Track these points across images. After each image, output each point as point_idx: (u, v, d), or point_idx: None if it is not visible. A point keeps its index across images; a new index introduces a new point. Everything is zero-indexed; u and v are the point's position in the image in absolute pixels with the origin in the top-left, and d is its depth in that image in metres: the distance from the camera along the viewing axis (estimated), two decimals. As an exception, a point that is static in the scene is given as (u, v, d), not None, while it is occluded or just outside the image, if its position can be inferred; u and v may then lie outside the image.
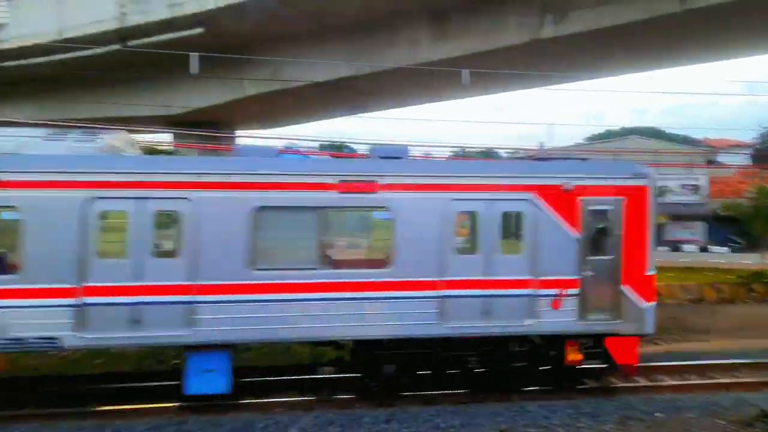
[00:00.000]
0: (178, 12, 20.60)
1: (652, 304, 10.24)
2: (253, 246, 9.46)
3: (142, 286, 9.18)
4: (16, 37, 20.71)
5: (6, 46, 20.71)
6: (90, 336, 9.01)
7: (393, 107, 35.69)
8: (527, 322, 9.92)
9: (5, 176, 8.90)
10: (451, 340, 10.07)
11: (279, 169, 9.97)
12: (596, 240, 10.13)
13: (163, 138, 31.23)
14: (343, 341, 10.44)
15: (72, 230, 9.06)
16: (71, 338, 9.00)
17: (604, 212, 10.19)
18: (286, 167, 10.14)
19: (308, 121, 36.90)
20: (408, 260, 9.78)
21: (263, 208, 9.55)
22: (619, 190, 10.24)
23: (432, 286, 9.75)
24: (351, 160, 12.84)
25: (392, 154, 10.72)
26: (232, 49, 20.91)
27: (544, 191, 10.06)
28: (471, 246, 10.24)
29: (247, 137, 36.18)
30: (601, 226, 10.14)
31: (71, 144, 10.02)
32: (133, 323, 9.14)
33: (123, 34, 21.18)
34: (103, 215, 9.33)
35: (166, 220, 9.70)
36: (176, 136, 27.21)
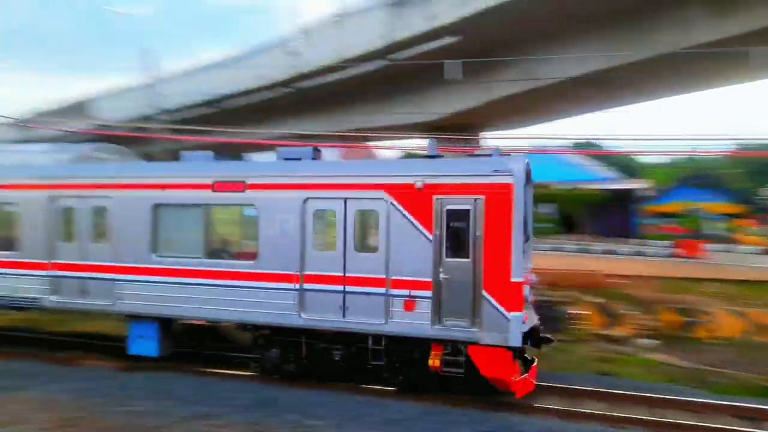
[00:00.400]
0: (436, 23, 21.89)
1: (518, 314, 8.99)
2: (154, 236, 11.37)
3: (85, 264, 11.87)
4: (308, 63, 24.66)
5: (303, 70, 24.75)
6: (56, 300, 12.15)
7: (652, 99, 32.20)
8: (380, 321, 9.69)
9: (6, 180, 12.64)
10: (319, 333, 10.38)
11: (170, 171, 11.82)
12: (453, 241, 9.37)
13: (421, 143, 33.51)
14: (217, 323, 11.76)
15: (42, 221, 12.16)
16: (47, 301, 12.21)
17: (462, 212, 9.36)
18: (177, 170, 11.82)
19: (558, 119, 35.70)
20: (270, 254, 10.47)
21: (159, 205, 11.36)
22: (477, 189, 9.28)
23: (292, 279, 10.22)
24: (225, 162, 12.51)
25: (294, 155, 11.16)
26: (481, 53, 21.43)
27: (397, 190, 9.68)
28: (329, 243, 10.26)
29: (493, 138, 36.63)
30: (458, 226, 9.34)
31: (57, 156, 13.36)
32: (83, 293, 11.88)
33: (388, 50, 23.40)
34: (62, 210, 12.16)
35: (99, 214, 11.97)
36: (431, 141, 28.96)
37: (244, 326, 11.39)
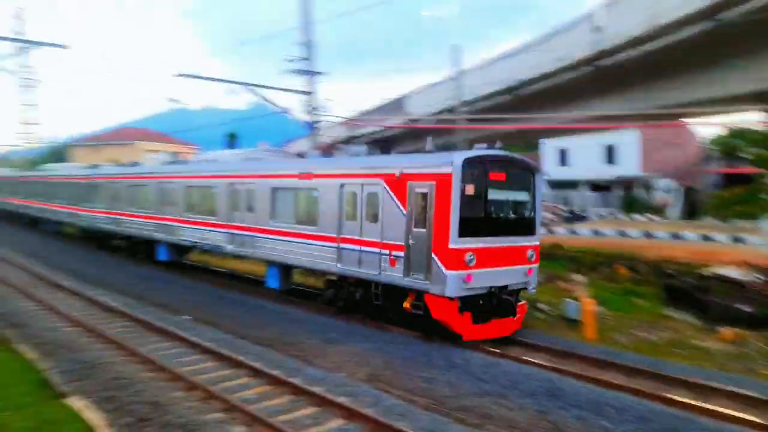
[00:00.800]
0: (785, -34, 17.50)
1: (454, 272, 11.55)
2: (272, 208, 16.60)
3: (243, 226, 17.71)
4: (611, 37, 22.67)
5: (606, 46, 22.86)
6: (231, 248, 18.38)
7: None
8: (377, 272, 13.09)
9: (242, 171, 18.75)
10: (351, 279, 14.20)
11: (279, 165, 17.97)
12: (417, 216, 12.24)
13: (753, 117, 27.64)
14: (299, 268, 16.65)
15: (225, 198, 18.53)
16: (226, 248, 18.58)
17: (423, 194, 12.18)
18: (282, 164, 18.40)
19: None
20: (324, 222, 14.57)
21: (275, 188, 16.57)
22: (432, 177, 12.02)
23: (334, 240, 14.18)
24: (308, 159, 17.45)
25: (355, 153, 15.59)
26: None
27: (387, 178, 12.92)
28: (353, 215, 13.81)
29: None
30: (421, 204, 12.17)
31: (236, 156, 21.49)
32: (242, 245, 17.81)
33: (714, 9, 19.79)
34: (234, 191, 18.26)
35: (250, 194, 17.56)
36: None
37: (312, 271, 16.07)
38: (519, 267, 12.77)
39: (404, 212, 12.47)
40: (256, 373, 10.39)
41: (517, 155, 13.59)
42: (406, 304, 12.76)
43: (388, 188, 12.87)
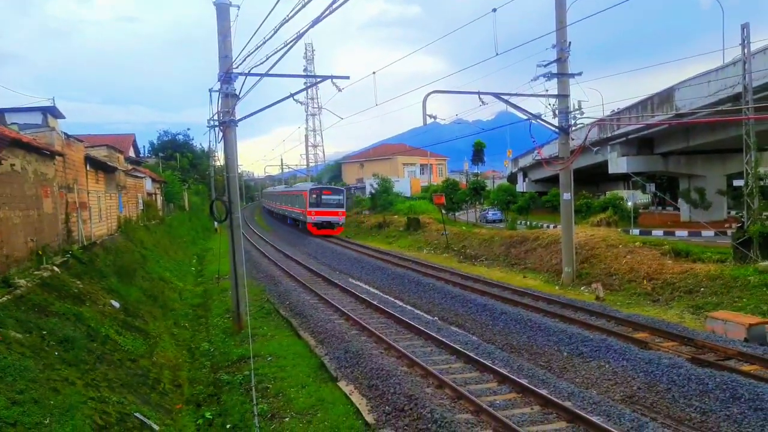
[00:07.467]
0: None
1: (311, 216, 46.02)
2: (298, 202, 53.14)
3: (296, 208, 54.76)
4: None
5: None
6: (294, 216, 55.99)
7: None
8: (303, 217, 47.76)
9: None
10: None
11: (299, 188, 56.65)
12: (310, 203, 46.00)
13: None
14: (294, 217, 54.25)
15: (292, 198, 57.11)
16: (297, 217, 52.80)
17: (306, 197, 46.23)
18: (299, 188, 56.27)
19: None
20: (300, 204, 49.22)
21: (294, 194, 56.62)
22: (305, 193, 47.48)
23: (303, 211, 46.68)
24: (303, 185, 56.57)
25: (308, 185, 51.68)
26: None
27: (305, 193, 47.13)
28: (303, 203, 46.89)
29: None
30: (307, 200, 46.49)
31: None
32: (295, 215, 55.12)
33: None
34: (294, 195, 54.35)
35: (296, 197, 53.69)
36: None
37: (296, 220, 54.69)
38: (334, 217, 44.04)
39: (307, 202, 43.58)
40: (504, 378, 10.36)
41: (332, 185, 53.93)
42: (308, 226, 43.96)
43: (305, 196, 44.45)
